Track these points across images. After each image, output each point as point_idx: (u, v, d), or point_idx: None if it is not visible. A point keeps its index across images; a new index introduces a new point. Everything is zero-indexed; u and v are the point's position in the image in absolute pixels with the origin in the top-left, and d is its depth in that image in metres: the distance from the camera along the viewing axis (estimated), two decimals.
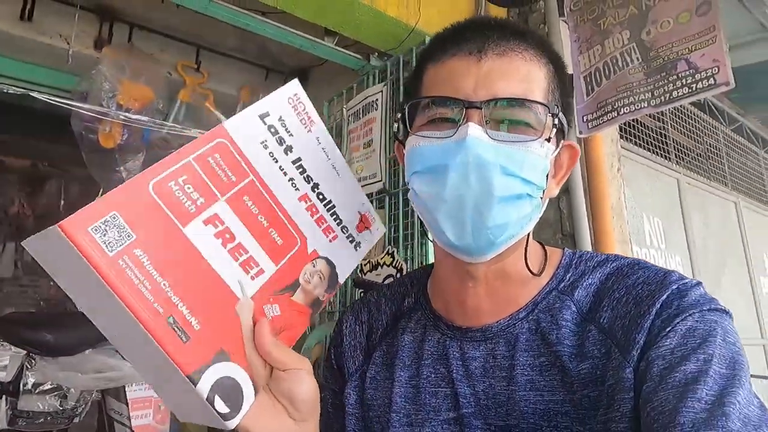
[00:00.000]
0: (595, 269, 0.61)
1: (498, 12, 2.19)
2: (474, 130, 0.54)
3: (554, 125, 0.57)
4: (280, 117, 0.58)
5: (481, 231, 0.55)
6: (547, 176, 0.58)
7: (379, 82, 2.11)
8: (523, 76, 0.57)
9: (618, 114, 1.58)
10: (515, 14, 2.25)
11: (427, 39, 1.90)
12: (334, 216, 0.62)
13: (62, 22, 2.19)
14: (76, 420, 0.75)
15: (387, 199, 1.98)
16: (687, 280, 0.55)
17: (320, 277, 0.59)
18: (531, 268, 0.61)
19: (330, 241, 0.61)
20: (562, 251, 0.65)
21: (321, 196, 0.61)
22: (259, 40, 2.55)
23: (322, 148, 0.62)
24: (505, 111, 0.55)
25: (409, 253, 1.84)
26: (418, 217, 2.05)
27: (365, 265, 1.93)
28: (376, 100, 2.06)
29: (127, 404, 0.79)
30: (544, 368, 0.56)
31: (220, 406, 0.46)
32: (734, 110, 3.63)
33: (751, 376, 0.51)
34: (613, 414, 0.51)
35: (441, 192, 0.55)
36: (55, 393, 0.75)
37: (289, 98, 0.59)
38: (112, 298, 0.42)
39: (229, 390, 0.47)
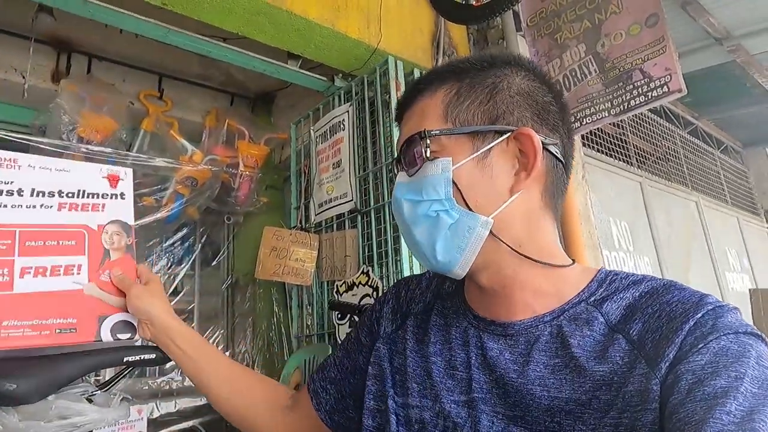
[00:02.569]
0: (629, 287, 0.61)
1: (457, 30, 2.24)
2: (399, 177, 0.68)
3: (427, 146, 0.63)
4: None
5: (425, 255, 0.65)
6: (454, 185, 0.62)
7: (344, 103, 2.12)
8: (418, 115, 0.67)
9: (581, 124, 1.62)
10: (474, 31, 2.31)
11: (390, 59, 1.92)
12: (89, 196, 0.79)
13: (17, 55, 2.13)
14: None
15: (359, 218, 1.98)
16: (724, 304, 0.55)
17: (117, 234, 0.80)
18: (531, 301, 0.64)
19: (102, 210, 0.79)
20: (600, 269, 0.66)
21: (70, 194, 0.78)
22: (223, 66, 2.54)
23: (41, 167, 0.77)
24: (405, 152, 0.66)
25: (384, 271, 1.84)
26: (391, 234, 2.02)
27: (341, 286, 1.92)
28: (343, 120, 2.07)
29: None
30: (557, 368, 0.58)
31: (122, 336, 0.75)
32: (688, 114, 3.79)
33: None
34: (625, 420, 0.51)
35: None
36: None
37: None
38: None
39: (121, 326, 0.76)
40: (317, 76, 2.15)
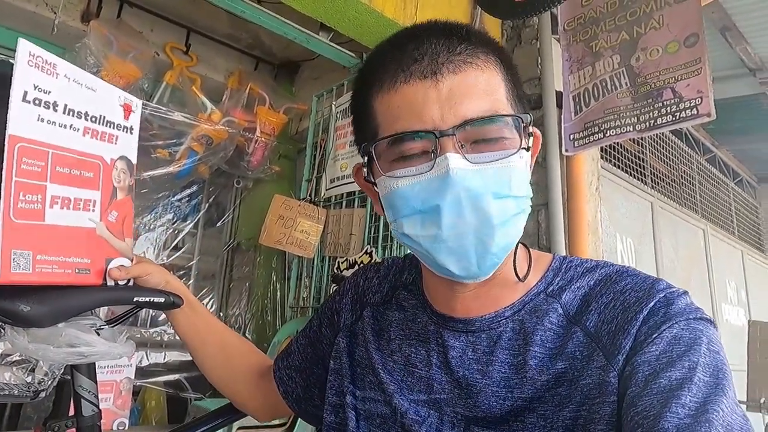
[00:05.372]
0: (584, 275, 0.61)
1: (492, 24, 2.22)
2: (455, 161, 0.52)
3: (528, 134, 0.56)
4: (35, 86, 0.63)
5: (485, 258, 0.54)
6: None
7: None
8: (483, 88, 0.55)
9: (604, 136, 1.61)
10: (509, 27, 2.29)
11: None
12: (107, 124, 0.73)
13: None
14: (42, 395, 0.73)
15: (369, 198, 1.98)
16: (674, 289, 0.56)
17: (124, 172, 0.75)
18: (519, 274, 0.61)
19: (115, 143, 0.74)
20: (553, 256, 0.66)
21: (93, 119, 0.71)
22: (252, 29, 2.53)
23: (74, 80, 0.69)
24: (479, 131, 0.54)
25: (387, 254, 1.85)
26: None
27: (343, 263, 1.93)
28: None
29: (96, 382, 0.78)
30: (520, 366, 0.57)
31: (121, 282, 0.72)
32: (709, 141, 3.76)
33: None
34: (584, 413, 0.52)
35: (438, 233, 0.54)
36: (23, 365, 0.73)
37: (29, 62, 0.63)
38: None
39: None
40: (346, 51, 2.13)
